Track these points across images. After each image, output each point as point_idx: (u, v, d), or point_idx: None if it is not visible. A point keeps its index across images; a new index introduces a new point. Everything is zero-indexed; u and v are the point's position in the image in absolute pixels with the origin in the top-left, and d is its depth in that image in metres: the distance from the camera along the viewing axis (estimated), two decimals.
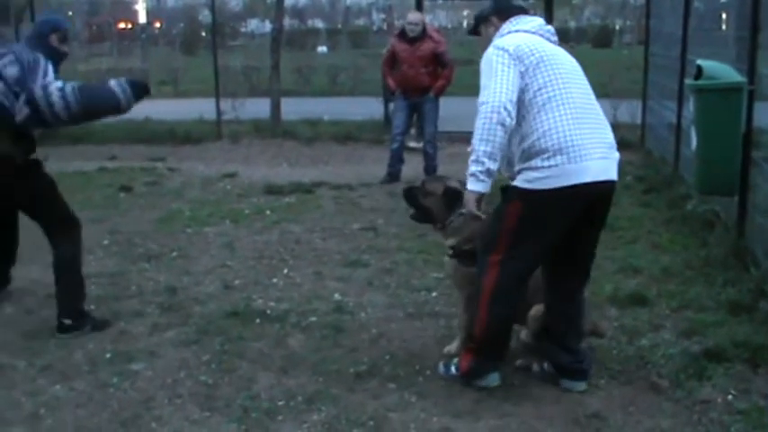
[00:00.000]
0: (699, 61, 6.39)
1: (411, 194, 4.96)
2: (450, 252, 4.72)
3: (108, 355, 4.96)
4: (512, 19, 4.40)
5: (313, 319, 5.49)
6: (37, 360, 4.90)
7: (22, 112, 5.00)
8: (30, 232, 5.70)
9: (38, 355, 4.98)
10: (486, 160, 4.07)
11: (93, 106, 5.19)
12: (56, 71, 5.14)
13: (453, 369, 4.51)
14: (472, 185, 4.17)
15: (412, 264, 6.61)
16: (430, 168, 10.17)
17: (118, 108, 5.27)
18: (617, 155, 4.29)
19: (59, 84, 5.03)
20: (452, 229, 4.72)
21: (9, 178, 5.21)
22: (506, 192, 4.30)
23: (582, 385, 4.43)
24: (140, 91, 5.31)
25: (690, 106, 6.58)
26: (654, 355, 4.78)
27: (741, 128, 6.13)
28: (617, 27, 55.71)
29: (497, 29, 4.43)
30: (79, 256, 5.50)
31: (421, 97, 10.00)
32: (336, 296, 5.94)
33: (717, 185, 6.40)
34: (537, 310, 4.56)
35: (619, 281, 6.10)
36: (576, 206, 4.16)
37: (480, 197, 4.20)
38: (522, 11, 4.49)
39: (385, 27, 55.32)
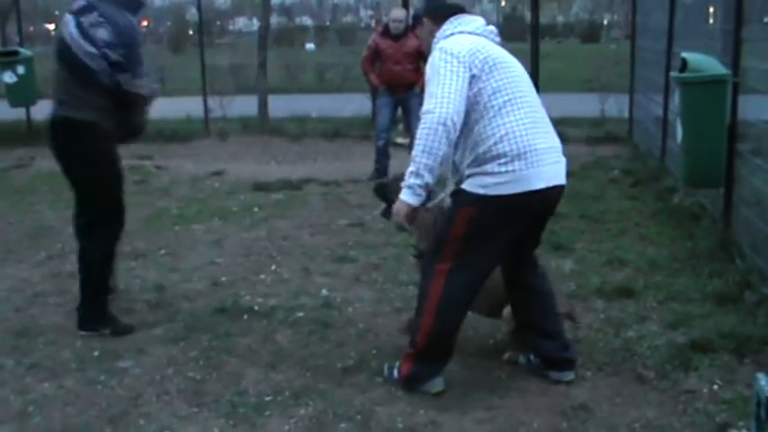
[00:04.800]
0: (684, 54, 6.41)
1: (382, 190, 4.94)
2: (415, 253, 4.70)
3: (96, 353, 4.96)
4: (452, 19, 4.26)
5: (300, 314, 5.50)
6: (25, 358, 4.90)
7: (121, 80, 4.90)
8: (18, 231, 5.69)
9: (26, 353, 4.97)
10: (425, 174, 3.99)
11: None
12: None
13: (396, 373, 4.42)
14: (407, 197, 4.07)
15: (399, 259, 6.61)
16: None
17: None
18: (564, 159, 4.26)
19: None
20: (422, 226, 4.65)
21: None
22: (457, 196, 4.21)
23: (570, 375, 4.43)
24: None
25: (675, 99, 6.60)
26: (640, 347, 4.80)
27: (726, 120, 6.16)
28: (605, 22, 55.80)
29: (432, 30, 4.32)
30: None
31: (406, 93, 10.00)
32: (324, 292, 5.95)
33: (703, 178, 6.43)
34: (508, 310, 4.58)
35: (606, 273, 6.13)
36: (528, 212, 4.14)
37: (412, 210, 4.11)
38: (460, 9, 4.33)
39: (373, 24, 55.21)
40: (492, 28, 4.35)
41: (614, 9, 55.92)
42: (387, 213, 4.90)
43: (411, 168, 4.02)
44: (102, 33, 4.81)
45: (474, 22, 4.30)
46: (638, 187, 8.99)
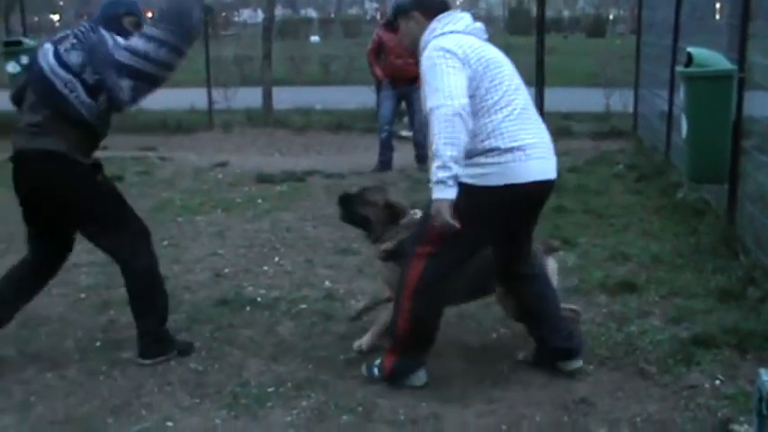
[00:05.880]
0: (689, 49, 6.41)
1: (348, 202, 4.88)
2: (384, 255, 4.67)
3: (98, 344, 4.97)
4: (440, 17, 4.22)
5: (303, 306, 5.51)
6: (27, 348, 4.91)
7: (124, 92, 4.42)
8: (21, 222, 5.66)
9: (28, 343, 4.98)
10: (453, 165, 3.87)
11: (183, 27, 4.50)
12: None
13: (376, 371, 4.40)
14: (442, 193, 3.90)
15: None
16: (421, 157, 10.18)
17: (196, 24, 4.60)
18: (554, 157, 4.26)
19: (136, 35, 4.48)
20: (389, 236, 4.69)
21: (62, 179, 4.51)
22: None
23: (577, 363, 4.45)
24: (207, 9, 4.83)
25: (681, 94, 6.59)
26: (642, 341, 4.80)
27: (731, 116, 6.14)
28: (611, 17, 55.72)
29: (421, 26, 4.25)
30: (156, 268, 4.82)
31: (409, 86, 9.99)
32: (327, 284, 5.95)
33: (707, 173, 6.42)
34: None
35: (609, 268, 6.12)
36: (516, 205, 4.14)
37: (451, 205, 3.95)
38: (447, 6, 4.32)
39: (378, 16, 55.19)
40: (479, 25, 4.34)
41: (620, 4, 55.84)
42: (348, 220, 4.93)
43: (437, 163, 3.89)
44: (74, 56, 4.45)
45: (462, 20, 4.27)
46: (643, 182, 8.98)
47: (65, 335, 5.11)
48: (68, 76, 4.43)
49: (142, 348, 4.70)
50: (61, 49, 4.50)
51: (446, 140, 3.87)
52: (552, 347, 4.47)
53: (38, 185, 4.56)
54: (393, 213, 4.72)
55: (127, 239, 4.70)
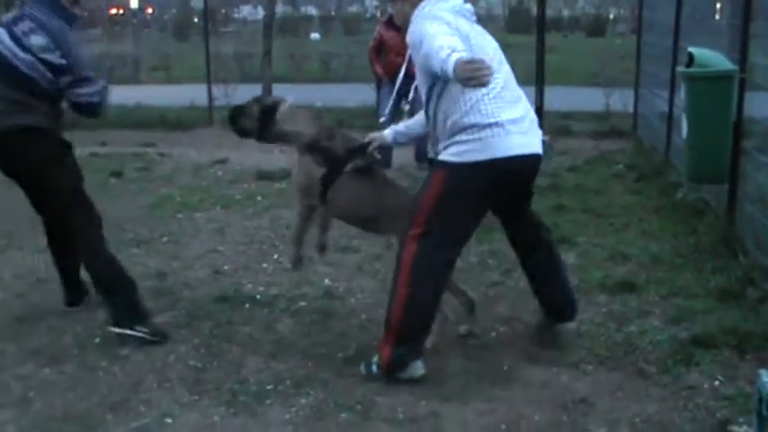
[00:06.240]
0: (690, 49, 6.40)
1: (236, 114, 5.17)
2: (304, 147, 4.80)
3: (97, 339, 4.96)
4: None
5: (302, 304, 5.50)
6: (26, 343, 4.90)
7: (101, 96, 4.79)
8: (19, 218, 5.68)
9: (27, 338, 4.98)
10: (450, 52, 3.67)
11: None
12: None
13: (375, 368, 4.38)
14: (451, 63, 3.62)
15: None
16: (421, 153, 10.15)
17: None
18: (540, 132, 4.33)
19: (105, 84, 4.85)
20: (294, 134, 4.87)
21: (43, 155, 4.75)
22: (432, 164, 4.33)
23: (573, 324, 4.76)
24: None
25: (681, 94, 6.59)
26: (642, 342, 4.80)
27: (732, 116, 6.14)
28: (611, 16, 55.74)
29: (413, 6, 4.30)
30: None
31: (409, 85, 9.96)
32: (326, 281, 5.95)
33: (707, 173, 6.41)
34: None
35: (608, 268, 6.12)
36: (500, 181, 4.18)
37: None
38: None
39: (378, 14, 55.15)
40: (469, 6, 4.39)
41: (620, 3, 55.85)
42: (238, 131, 5.08)
43: (445, 61, 3.67)
44: (37, 39, 4.59)
45: (451, 1, 4.32)
46: (642, 182, 8.97)
47: (64, 330, 5.10)
48: (31, 59, 4.59)
49: (111, 317, 4.90)
50: (17, 31, 4.62)
51: (440, 46, 3.79)
52: (554, 310, 4.74)
53: (14, 161, 4.77)
54: (264, 116, 4.92)
55: (85, 224, 4.90)
